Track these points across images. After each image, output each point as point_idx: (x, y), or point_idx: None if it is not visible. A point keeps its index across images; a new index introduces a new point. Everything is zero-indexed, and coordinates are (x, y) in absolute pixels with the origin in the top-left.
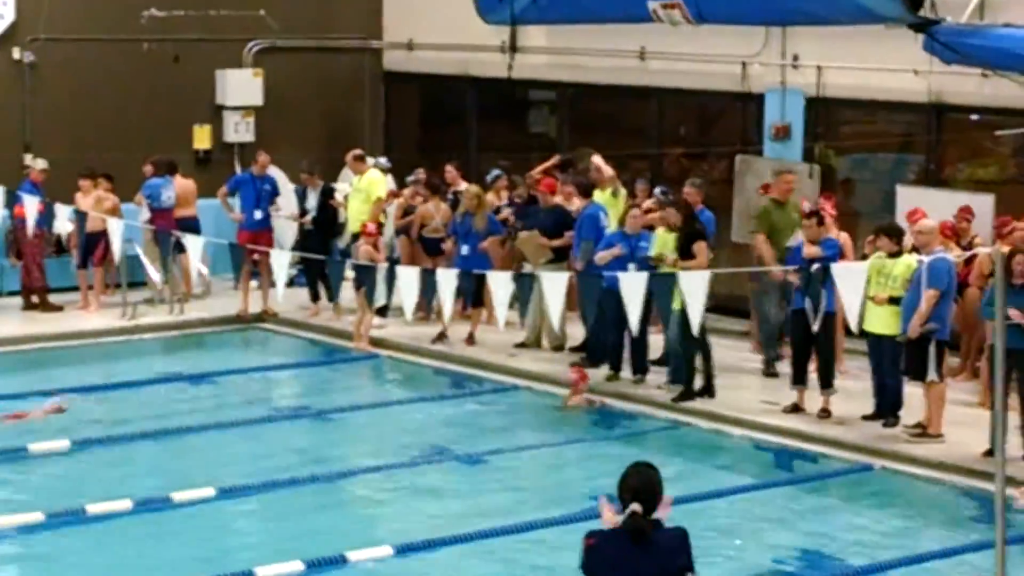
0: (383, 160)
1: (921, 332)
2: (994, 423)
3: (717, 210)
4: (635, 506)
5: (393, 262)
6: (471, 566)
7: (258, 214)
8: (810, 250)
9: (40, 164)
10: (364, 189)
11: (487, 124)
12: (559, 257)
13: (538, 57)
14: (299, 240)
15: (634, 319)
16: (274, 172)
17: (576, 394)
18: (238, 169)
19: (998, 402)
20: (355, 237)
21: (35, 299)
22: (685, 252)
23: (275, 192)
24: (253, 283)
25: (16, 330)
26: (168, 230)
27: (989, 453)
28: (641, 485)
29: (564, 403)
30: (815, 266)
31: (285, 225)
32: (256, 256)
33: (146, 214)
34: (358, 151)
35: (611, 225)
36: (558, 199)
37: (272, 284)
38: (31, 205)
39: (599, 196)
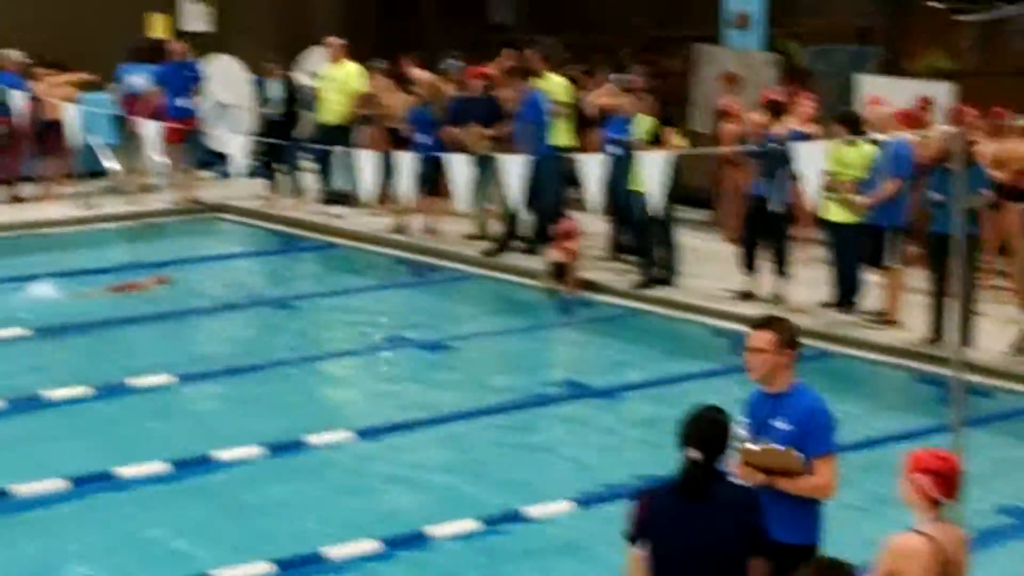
0: None
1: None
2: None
3: (673, 101)
4: (693, 452)
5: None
6: (432, 451)
7: (179, 101)
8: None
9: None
10: (342, 80)
11: (444, 16)
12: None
13: None
14: (261, 130)
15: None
16: (226, 61)
17: (565, 250)
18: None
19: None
20: (322, 128)
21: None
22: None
23: (196, 79)
24: (207, 173)
25: None
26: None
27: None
28: (705, 431)
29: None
30: (772, 147)
31: (240, 114)
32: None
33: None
34: (342, 40)
35: None
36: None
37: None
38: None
39: (546, 83)
